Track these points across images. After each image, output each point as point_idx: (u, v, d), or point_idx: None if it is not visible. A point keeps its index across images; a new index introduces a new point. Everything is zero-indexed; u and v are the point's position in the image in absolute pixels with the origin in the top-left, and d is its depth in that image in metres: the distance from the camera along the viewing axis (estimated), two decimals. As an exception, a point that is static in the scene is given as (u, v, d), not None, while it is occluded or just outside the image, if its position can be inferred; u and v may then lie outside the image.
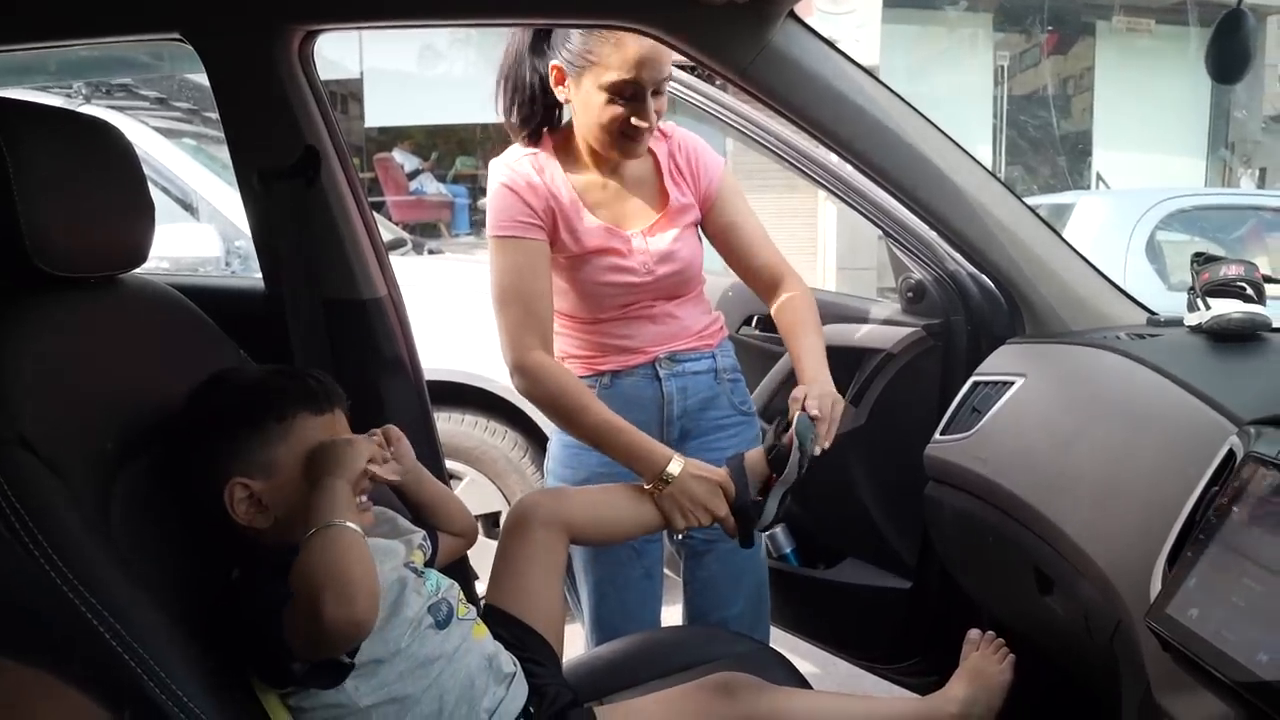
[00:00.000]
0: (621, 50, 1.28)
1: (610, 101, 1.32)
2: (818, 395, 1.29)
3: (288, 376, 1.00)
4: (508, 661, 1.02)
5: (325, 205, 1.33)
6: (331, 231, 1.34)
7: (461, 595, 1.02)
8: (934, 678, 1.82)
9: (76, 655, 0.72)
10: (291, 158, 1.28)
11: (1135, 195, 4.11)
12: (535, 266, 1.37)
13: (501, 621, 1.10)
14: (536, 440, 2.67)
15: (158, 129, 3.07)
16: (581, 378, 1.45)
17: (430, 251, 3.57)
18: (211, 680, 0.78)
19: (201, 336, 1.13)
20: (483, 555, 2.59)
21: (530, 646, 1.08)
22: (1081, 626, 1.07)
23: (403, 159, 8.41)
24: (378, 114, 8.49)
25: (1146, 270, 3.56)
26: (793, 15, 1.23)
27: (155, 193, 3.06)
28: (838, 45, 1.31)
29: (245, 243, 2.80)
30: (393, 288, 1.42)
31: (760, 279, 1.49)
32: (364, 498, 0.96)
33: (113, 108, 3.07)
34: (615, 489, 1.32)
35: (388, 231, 3.55)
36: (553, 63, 1.34)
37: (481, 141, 9.02)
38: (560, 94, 1.37)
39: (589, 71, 1.31)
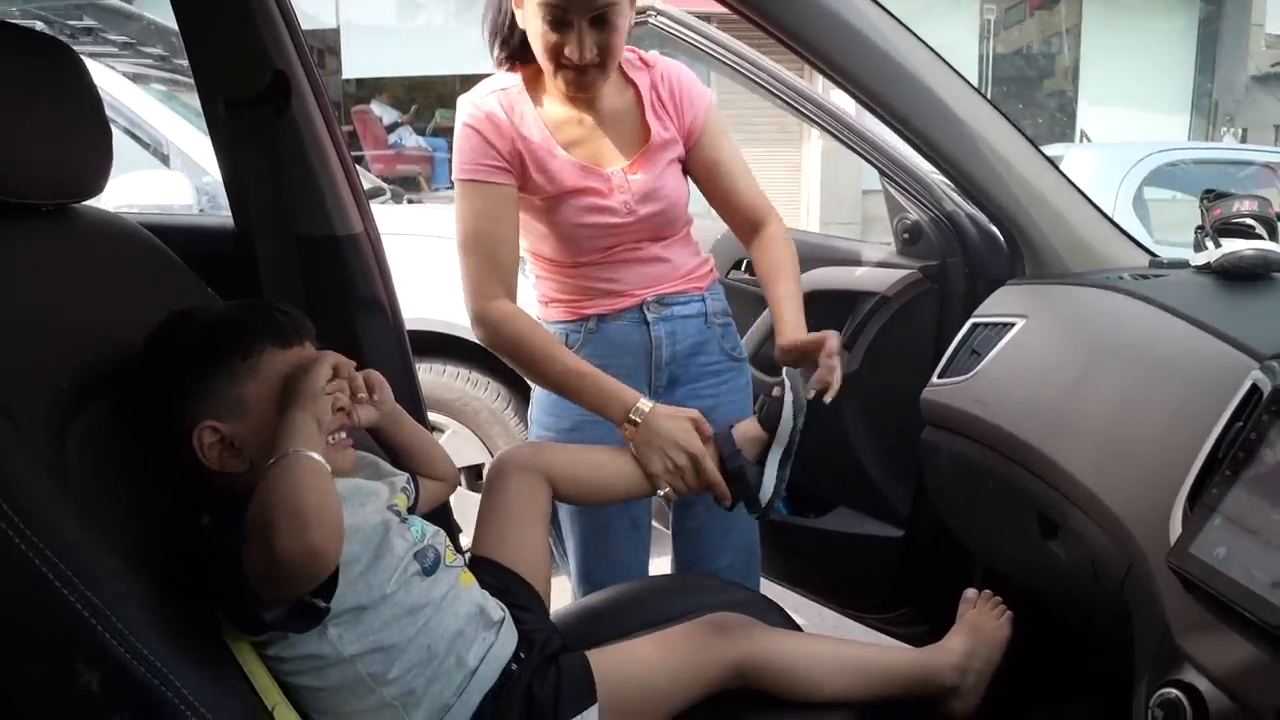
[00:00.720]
0: None
1: (546, 29, 1.21)
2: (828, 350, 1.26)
3: (251, 310, 0.94)
4: (495, 608, 0.98)
5: (296, 135, 1.25)
6: (303, 163, 1.27)
7: (448, 542, 0.98)
8: (924, 627, 1.82)
9: (25, 604, 0.67)
10: (260, 84, 1.20)
11: (1124, 148, 4.07)
12: (499, 212, 1.30)
13: (487, 569, 1.07)
14: (520, 391, 2.62)
15: (126, 74, 2.94)
16: (566, 323, 1.41)
17: (410, 201, 3.48)
18: (176, 632, 0.73)
19: (165, 272, 1.07)
20: (466, 508, 2.57)
21: (517, 593, 1.05)
22: (1088, 572, 1.04)
23: (381, 112, 8.24)
24: (355, 66, 8.29)
25: (1133, 222, 3.53)
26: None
27: (125, 139, 2.94)
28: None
29: (213, 180, 2.72)
30: (369, 224, 1.36)
31: (741, 218, 1.44)
32: (343, 433, 0.92)
33: (80, 53, 2.94)
34: (597, 448, 1.27)
35: (365, 180, 3.46)
36: None
37: (461, 94, 8.85)
38: (518, 18, 1.28)
39: None
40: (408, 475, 1.03)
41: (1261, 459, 0.73)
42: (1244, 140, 8.51)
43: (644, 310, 1.41)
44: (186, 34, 1.21)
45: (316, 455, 0.79)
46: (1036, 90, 10.35)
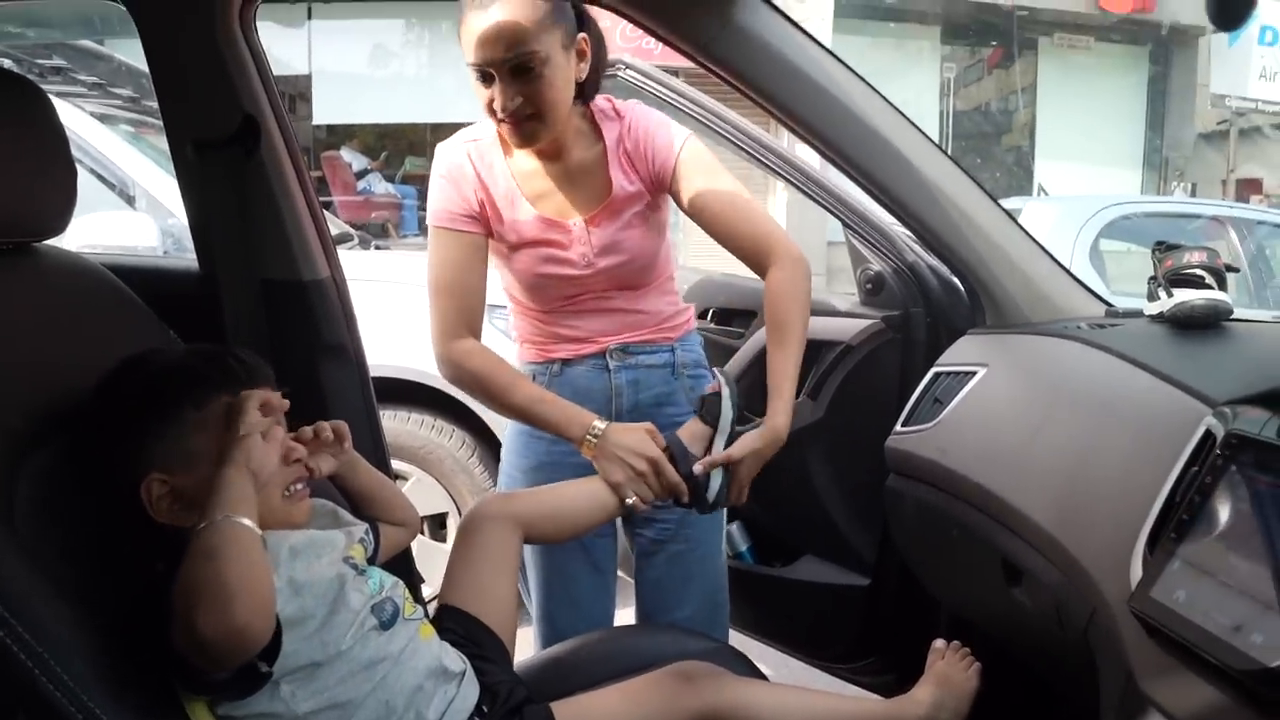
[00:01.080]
0: (464, 27, 1.21)
1: (476, 84, 1.24)
2: (743, 449, 1.26)
3: (204, 358, 0.91)
4: (456, 660, 0.96)
5: (264, 179, 1.25)
6: (270, 207, 1.26)
7: (407, 594, 0.96)
8: (890, 676, 1.81)
9: None
10: (229, 128, 1.20)
11: (1080, 201, 4.20)
12: (467, 260, 1.34)
13: (453, 618, 1.05)
14: (485, 440, 2.60)
15: (94, 114, 2.93)
16: (535, 363, 1.43)
17: (377, 247, 3.47)
18: (124, 685, 0.71)
19: (125, 314, 1.05)
20: (429, 558, 2.53)
21: (482, 643, 1.03)
22: (1052, 619, 1.04)
23: (350, 158, 8.25)
24: (326, 112, 8.33)
25: (1090, 273, 3.63)
26: (756, -9, 1.20)
27: (90, 179, 2.90)
28: (801, 25, 1.28)
29: (178, 223, 2.69)
30: (335, 269, 1.35)
31: (744, 254, 1.37)
32: (299, 485, 0.89)
33: (48, 93, 2.92)
34: (562, 484, 1.29)
35: (333, 225, 3.45)
36: None
37: (432, 142, 8.90)
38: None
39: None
40: (366, 525, 1.00)
41: (1217, 503, 0.74)
42: (1194, 194, 8.84)
43: (607, 357, 1.42)
44: (156, 75, 1.21)
45: (245, 520, 0.75)
46: (995, 145, 10.69)
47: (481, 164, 1.34)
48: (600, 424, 1.27)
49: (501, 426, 2.53)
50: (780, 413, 1.29)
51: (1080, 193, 8.39)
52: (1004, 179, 10.24)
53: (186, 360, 0.91)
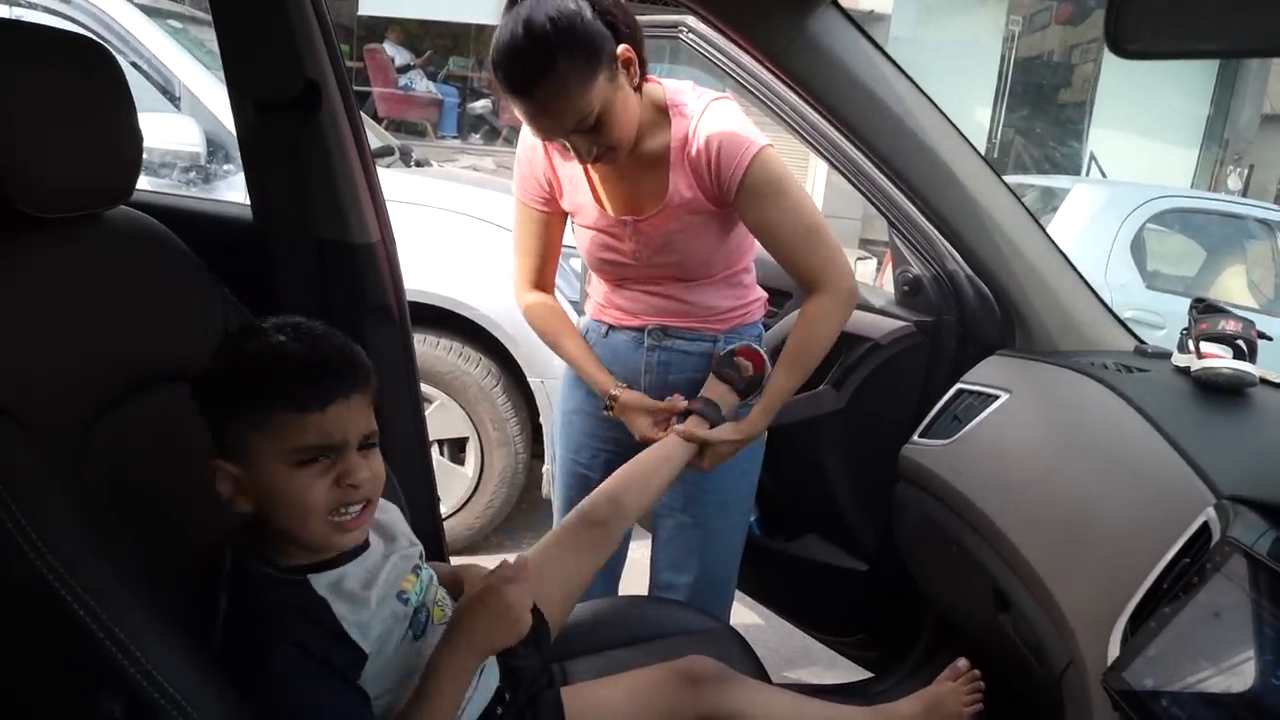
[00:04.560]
0: (513, 103, 1.20)
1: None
2: (721, 436, 1.37)
3: (284, 360, 0.84)
4: None
5: (322, 142, 1.27)
6: (326, 170, 1.28)
7: (439, 596, 0.98)
8: (876, 654, 1.90)
9: (51, 636, 0.71)
10: (291, 91, 1.22)
11: (1129, 189, 4.10)
12: (538, 230, 1.47)
13: None
14: (510, 370, 2.67)
15: (140, 6, 2.88)
16: (594, 320, 1.55)
17: (417, 163, 3.46)
18: (196, 662, 0.76)
19: (187, 278, 1.09)
20: (446, 481, 2.63)
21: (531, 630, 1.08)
22: (1033, 654, 1.10)
23: (393, 52, 8.09)
24: (372, 2, 8.10)
25: (1128, 265, 3.59)
26: (834, 3, 1.19)
27: (135, 78, 2.88)
28: (872, 37, 1.26)
29: (221, 127, 2.68)
30: (386, 232, 1.38)
31: (797, 277, 1.38)
32: (354, 508, 0.86)
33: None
34: (640, 461, 1.36)
35: (374, 138, 3.42)
36: None
37: (476, 40, 8.68)
38: None
39: None
40: (420, 549, 0.99)
41: (1198, 605, 0.78)
42: (1248, 179, 8.54)
43: (645, 334, 1.46)
44: (222, 35, 1.22)
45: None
46: (1053, 99, 10.31)
47: (555, 146, 1.37)
48: (616, 390, 1.43)
49: (526, 360, 2.62)
50: (760, 420, 1.38)
51: (1132, 168, 8.14)
52: (1054, 139, 9.92)
53: (278, 356, 0.84)
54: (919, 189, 1.35)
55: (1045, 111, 10.18)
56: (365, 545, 0.91)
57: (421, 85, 8.11)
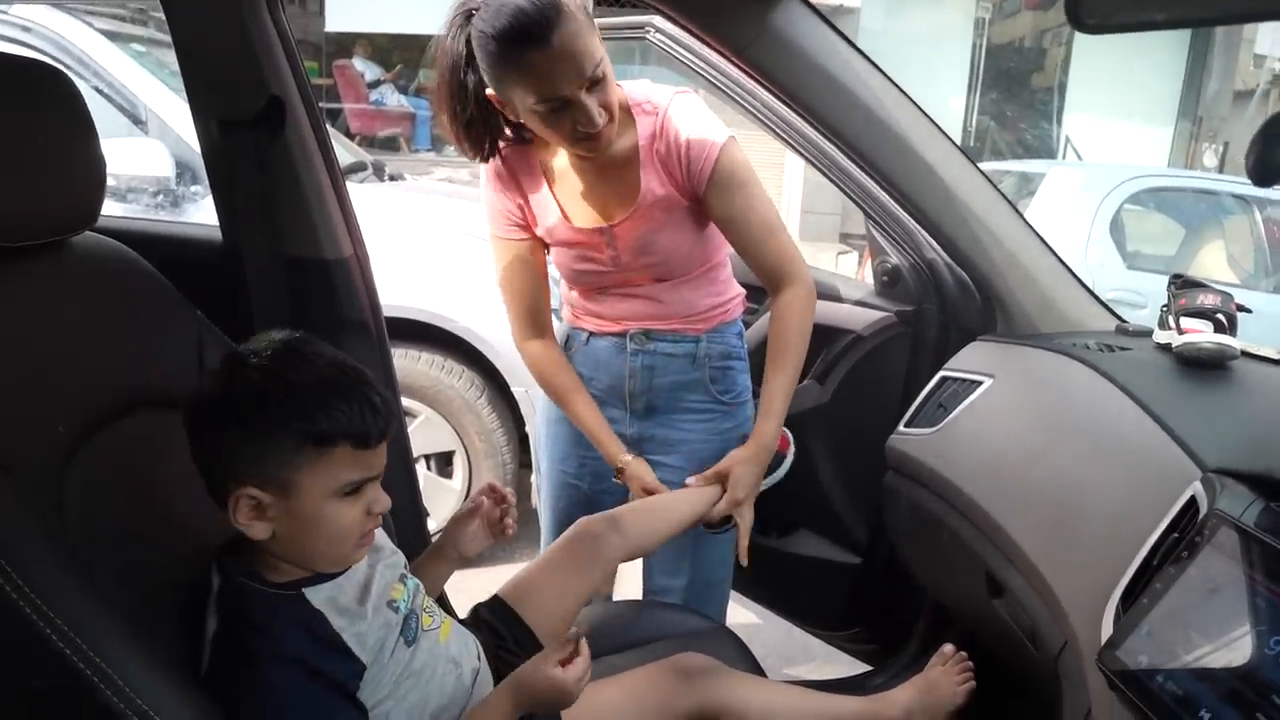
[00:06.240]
0: (524, 69, 1.15)
1: (549, 117, 1.19)
2: (730, 461, 1.38)
3: (343, 392, 0.83)
4: (472, 660, 1.00)
5: (289, 159, 1.26)
6: (295, 186, 1.27)
7: (426, 603, 0.99)
8: (873, 646, 1.90)
9: (31, 668, 0.69)
10: (255, 108, 1.20)
11: (1105, 170, 4.13)
12: (522, 264, 1.42)
13: (501, 616, 1.10)
14: (494, 381, 2.65)
15: (103, 31, 2.85)
16: (571, 327, 1.51)
17: (391, 177, 3.44)
18: (176, 681, 0.75)
19: (156, 301, 1.07)
20: (433, 494, 2.60)
21: (522, 644, 1.07)
22: (1028, 637, 1.10)
23: (363, 67, 8.06)
24: (339, 18, 8.07)
25: (1108, 246, 3.61)
26: (798, -5, 1.18)
27: (100, 103, 2.84)
28: (839, 29, 1.26)
29: (189, 148, 2.65)
30: (359, 247, 1.37)
31: (760, 275, 1.39)
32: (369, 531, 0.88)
33: (54, 4, 2.84)
34: (658, 505, 1.38)
35: (347, 154, 3.40)
36: (487, 91, 1.23)
37: (447, 52, 8.63)
38: (510, 115, 1.26)
39: (513, 95, 1.19)
40: (404, 557, 1.01)
41: (1189, 579, 0.78)
42: (1224, 157, 8.61)
43: (626, 339, 1.45)
44: (182, 54, 1.20)
45: None
46: (1026, 84, 10.38)
47: (522, 169, 1.36)
48: (626, 457, 1.43)
49: (509, 369, 2.60)
50: (768, 427, 1.38)
51: (1108, 149, 8.19)
52: (1031, 121, 9.98)
53: (317, 388, 0.82)
54: (892, 178, 1.35)
55: (1018, 97, 10.25)
56: None
57: (393, 99, 8.08)
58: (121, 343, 0.99)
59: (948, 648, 1.30)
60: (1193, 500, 0.86)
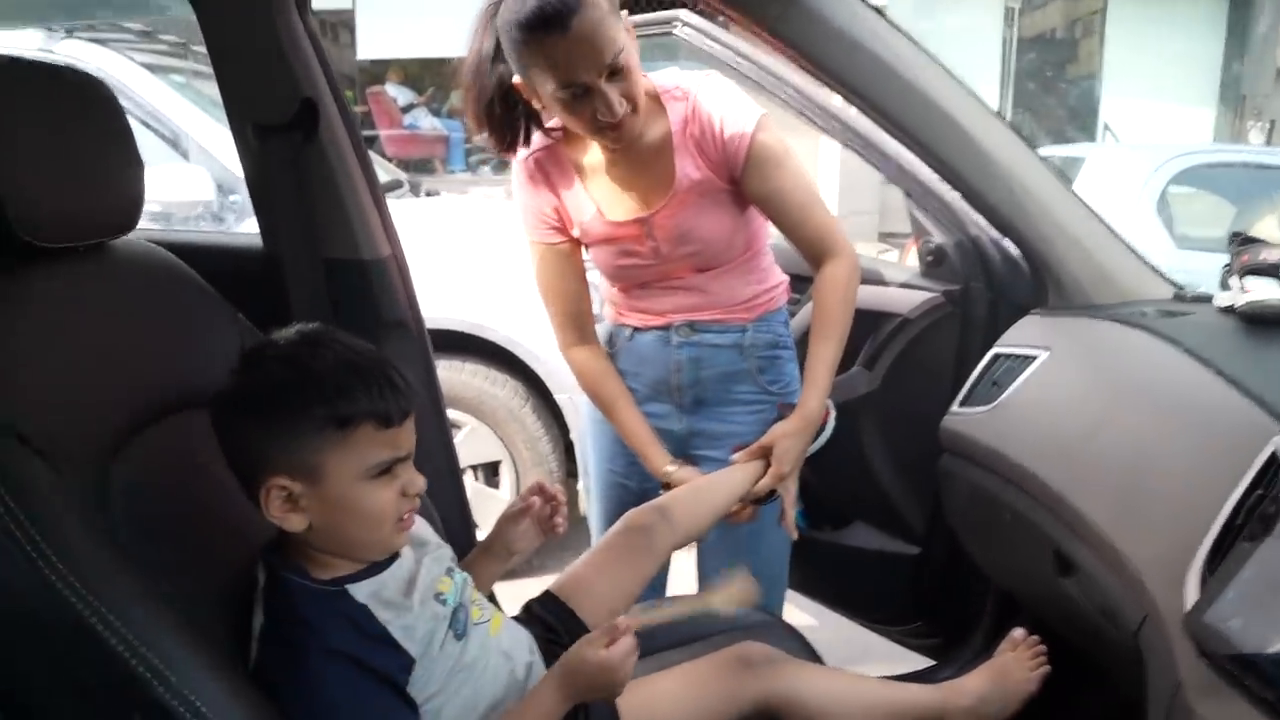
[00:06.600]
0: (545, 55, 1.15)
1: (571, 104, 1.19)
2: (774, 435, 1.34)
3: (360, 374, 0.83)
4: (525, 653, 0.99)
5: (324, 161, 1.26)
6: (331, 188, 1.28)
7: (476, 596, 0.97)
8: (938, 640, 1.84)
9: (82, 660, 0.69)
10: (288, 111, 1.21)
11: (1147, 150, 4.02)
12: (561, 268, 1.41)
13: (553, 611, 1.08)
14: (538, 390, 2.65)
15: (143, 64, 2.93)
16: (614, 325, 1.49)
17: (428, 193, 3.48)
18: (226, 676, 0.75)
19: (198, 303, 1.08)
20: (481, 504, 2.61)
21: (575, 637, 1.03)
22: (1103, 615, 1.05)
23: (396, 92, 8.20)
24: (370, 46, 8.23)
25: (1156, 227, 3.51)
26: (824, -34, 1.16)
27: (142, 132, 2.93)
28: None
29: (243, 195, 2.71)
30: (396, 246, 1.37)
31: (803, 251, 1.38)
32: (408, 514, 0.88)
33: (95, 40, 2.93)
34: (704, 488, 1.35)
35: (383, 172, 3.45)
36: (513, 80, 1.24)
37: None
38: (535, 104, 1.27)
39: (536, 81, 1.20)
40: (450, 551, 0.99)
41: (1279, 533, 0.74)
42: (1271, 133, 8.35)
43: (671, 332, 1.43)
44: (215, 59, 1.22)
45: None
46: (1060, 77, 10.20)
47: (554, 169, 1.35)
48: (671, 467, 1.40)
49: (551, 377, 2.60)
50: (813, 399, 1.34)
51: (1148, 134, 8.00)
52: (1067, 113, 9.81)
53: (339, 370, 0.83)
54: (935, 149, 1.31)
55: (1054, 89, 10.07)
56: (396, 554, 0.90)
57: (426, 123, 8.20)
58: (165, 344, 0.99)
59: (1018, 632, 1.24)
60: (1274, 457, 0.82)
